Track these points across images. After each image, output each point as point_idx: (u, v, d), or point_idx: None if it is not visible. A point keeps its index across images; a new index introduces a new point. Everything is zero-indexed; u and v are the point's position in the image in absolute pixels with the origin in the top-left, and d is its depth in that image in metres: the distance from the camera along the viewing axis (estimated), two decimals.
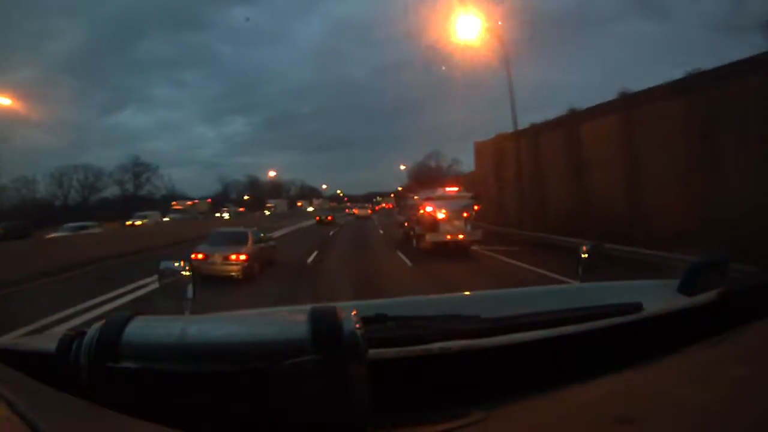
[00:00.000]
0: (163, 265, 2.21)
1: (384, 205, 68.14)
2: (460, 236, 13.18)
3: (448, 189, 14.88)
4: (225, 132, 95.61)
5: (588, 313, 0.91)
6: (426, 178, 55.55)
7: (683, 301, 0.98)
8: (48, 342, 0.73)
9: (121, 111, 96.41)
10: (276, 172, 66.68)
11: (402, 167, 64.78)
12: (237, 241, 9.33)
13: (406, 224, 17.62)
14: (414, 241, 14.58)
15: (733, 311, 0.92)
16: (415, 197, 17.62)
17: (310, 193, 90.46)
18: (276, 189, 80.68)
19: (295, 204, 71.92)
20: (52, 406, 0.61)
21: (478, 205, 14.24)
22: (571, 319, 0.88)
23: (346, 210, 40.25)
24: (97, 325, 0.64)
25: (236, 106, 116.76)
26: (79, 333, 0.66)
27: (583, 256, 3.01)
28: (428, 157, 63.00)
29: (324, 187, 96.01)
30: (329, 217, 32.62)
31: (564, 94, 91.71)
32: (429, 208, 13.49)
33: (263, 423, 0.60)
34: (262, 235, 10.58)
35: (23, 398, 0.58)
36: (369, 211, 47.39)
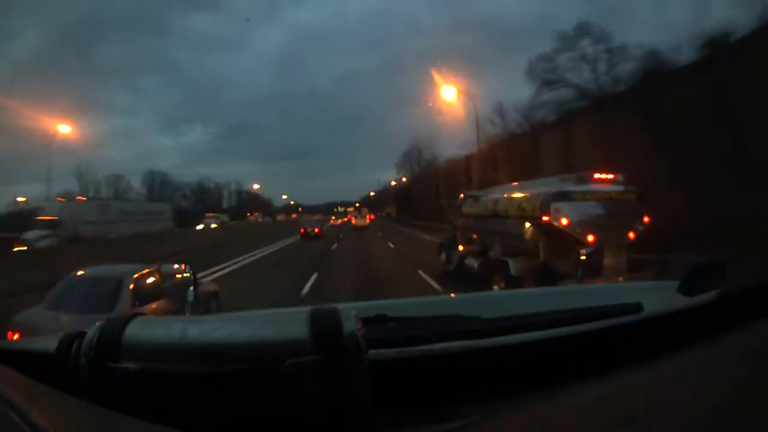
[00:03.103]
0: (165, 267, 2.22)
1: (370, 216, 51.24)
2: None
3: (598, 175, 6.82)
4: (184, 141, 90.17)
5: (588, 314, 0.91)
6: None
7: (683, 302, 0.98)
8: (48, 342, 0.73)
9: (77, 118, 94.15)
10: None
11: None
12: (95, 304, 4.21)
13: (461, 248, 9.35)
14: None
15: (732, 311, 0.92)
16: (483, 194, 9.25)
17: (250, 203, 68.67)
18: (204, 194, 59.67)
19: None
20: (52, 406, 0.61)
21: (647, 213, 6.62)
22: (571, 320, 0.88)
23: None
24: (97, 326, 0.64)
25: (195, 115, 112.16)
26: (79, 333, 0.67)
27: (582, 258, 3.03)
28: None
29: (284, 197, 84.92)
30: (317, 230, 26.64)
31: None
32: (564, 220, 6.20)
33: (263, 423, 0.60)
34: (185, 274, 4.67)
35: (23, 398, 0.58)
36: (367, 221, 39.20)
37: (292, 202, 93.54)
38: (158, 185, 55.53)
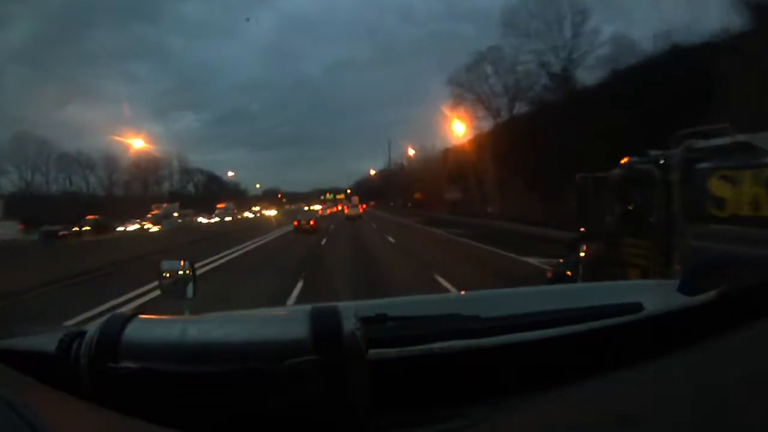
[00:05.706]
0: (164, 264, 2.22)
1: (364, 206, 48.30)
2: None
3: None
4: (174, 128, 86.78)
5: (588, 313, 0.91)
6: None
7: (683, 301, 0.98)
8: (48, 342, 0.73)
9: (66, 105, 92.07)
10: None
11: None
12: None
13: None
14: None
15: (732, 311, 0.92)
16: None
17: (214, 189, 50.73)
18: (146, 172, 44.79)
19: None
20: (52, 406, 0.61)
21: None
22: (571, 319, 0.88)
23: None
24: (97, 325, 0.64)
25: (186, 102, 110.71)
26: (79, 333, 0.67)
27: (581, 254, 3.03)
28: None
29: (231, 173, 70.39)
30: (312, 222, 24.56)
31: None
32: None
33: (263, 423, 0.60)
34: None
35: (23, 398, 0.58)
36: (361, 209, 38.53)
37: (258, 185, 76.63)
38: (41, 157, 38.10)
